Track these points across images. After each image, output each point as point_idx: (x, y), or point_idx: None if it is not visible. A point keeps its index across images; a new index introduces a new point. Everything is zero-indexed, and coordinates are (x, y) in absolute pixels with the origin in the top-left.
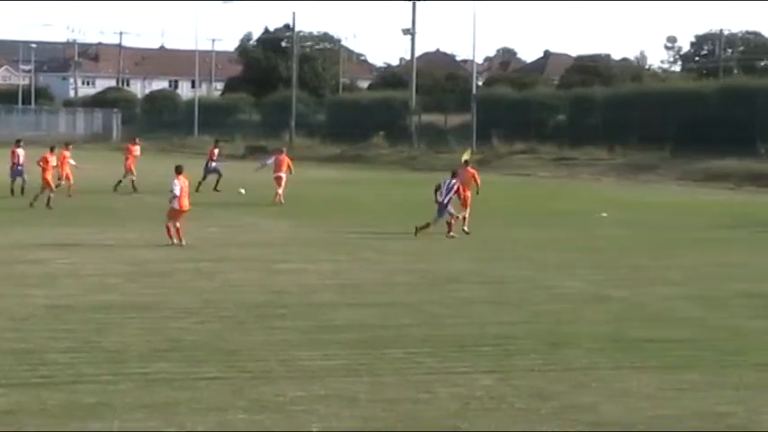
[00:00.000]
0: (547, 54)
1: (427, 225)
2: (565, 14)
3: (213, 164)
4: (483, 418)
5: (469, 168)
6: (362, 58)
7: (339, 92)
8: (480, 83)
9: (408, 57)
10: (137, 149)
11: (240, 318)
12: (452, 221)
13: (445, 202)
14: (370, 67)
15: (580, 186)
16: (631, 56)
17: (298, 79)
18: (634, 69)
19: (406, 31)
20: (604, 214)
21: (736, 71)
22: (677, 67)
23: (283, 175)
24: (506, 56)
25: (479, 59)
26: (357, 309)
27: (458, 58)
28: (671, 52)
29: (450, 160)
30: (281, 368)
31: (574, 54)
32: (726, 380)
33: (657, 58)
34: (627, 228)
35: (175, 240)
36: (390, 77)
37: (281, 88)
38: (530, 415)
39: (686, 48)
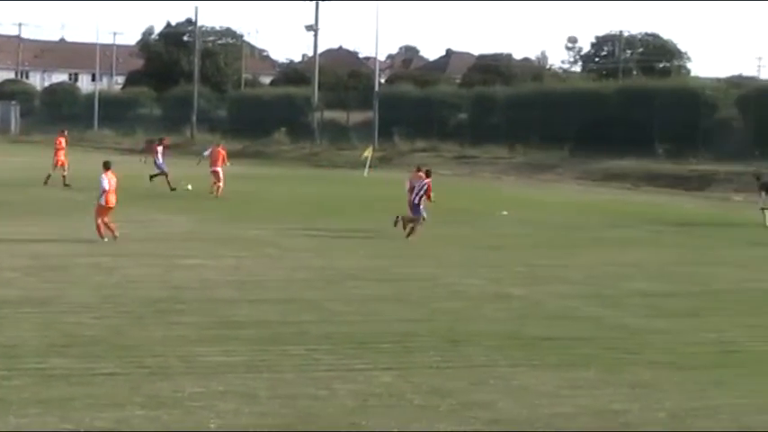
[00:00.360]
0: (449, 53)
1: (411, 226)
2: (467, 13)
3: (160, 161)
4: (382, 415)
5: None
6: (265, 53)
7: (241, 87)
8: (383, 80)
9: (311, 53)
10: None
11: (139, 313)
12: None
13: (416, 201)
14: (273, 62)
15: (481, 185)
16: (533, 56)
17: (199, 74)
18: (535, 69)
19: (308, 28)
20: (505, 213)
21: (635, 72)
22: (578, 68)
23: (219, 169)
24: (409, 54)
25: (382, 57)
26: (257, 305)
27: (360, 56)
28: (571, 53)
29: (351, 157)
30: (180, 364)
31: (476, 53)
32: (622, 378)
33: (558, 58)
34: (527, 226)
35: (108, 236)
36: (293, 74)
37: (182, 83)
38: (428, 412)
39: (587, 48)
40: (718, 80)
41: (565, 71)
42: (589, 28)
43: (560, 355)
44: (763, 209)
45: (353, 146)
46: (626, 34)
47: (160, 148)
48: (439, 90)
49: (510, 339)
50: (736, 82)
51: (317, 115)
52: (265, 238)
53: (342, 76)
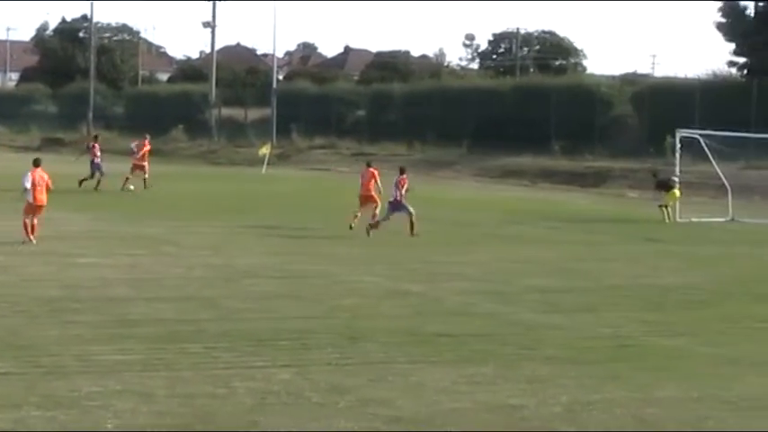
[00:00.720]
0: (347, 49)
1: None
2: (365, 10)
3: (97, 161)
4: (280, 413)
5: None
6: (162, 50)
7: (138, 84)
8: (281, 77)
9: (208, 50)
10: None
11: (34, 312)
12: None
13: (398, 198)
14: (170, 59)
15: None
16: (430, 53)
17: (95, 71)
18: (433, 66)
19: (206, 25)
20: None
21: (532, 70)
22: (475, 65)
23: (146, 163)
24: (307, 51)
25: (280, 54)
26: (154, 303)
27: (258, 53)
28: (469, 50)
29: (249, 154)
30: (76, 363)
31: (374, 50)
32: (519, 373)
33: (456, 55)
34: (424, 223)
35: (29, 238)
36: (190, 70)
37: (78, 79)
38: (327, 409)
39: (484, 46)
40: (614, 78)
41: (462, 68)
42: (486, 25)
43: (458, 351)
44: (660, 206)
45: (251, 143)
46: (523, 32)
47: (96, 146)
48: (337, 87)
49: (408, 336)
50: (631, 79)
51: (214, 112)
52: (162, 236)
53: (239, 72)
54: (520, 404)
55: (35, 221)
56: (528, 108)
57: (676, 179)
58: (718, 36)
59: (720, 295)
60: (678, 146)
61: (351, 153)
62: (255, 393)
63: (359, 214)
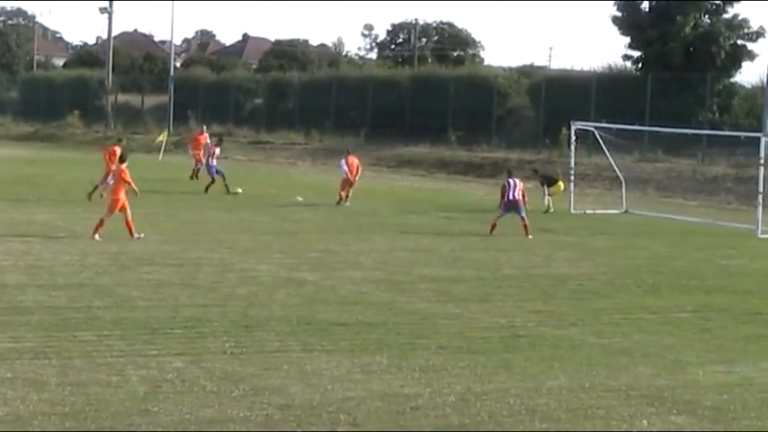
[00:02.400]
0: (245, 37)
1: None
2: None
3: (214, 161)
4: (173, 401)
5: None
6: (58, 35)
7: (33, 69)
8: (178, 64)
9: (105, 35)
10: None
11: None
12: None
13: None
14: (66, 44)
15: (276, 170)
16: (329, 42)
17: None
18: (331, 55)
19: (102, 10)
20: (299, 198)
21: (430, 60)
22: (374, 55)
23: None
24: (205, 38)
25: (177, 41)
26: (47, 290)
27: (156, 39)
28: (368, 40)
29: (146, 141)
30: None
31: (272, 38)
32: (413, 362)
33: (355, 45)
34: (321, 212)
35: None
36: (86, 56)
37: None
38: (221, 397)
39: (383, 36)
40: (511, 69)
41: (361, 58)
42: (385, 16)
43: (352, 340)
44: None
45: (148, 130)
46: (421, 23)
47: (218, 150)
48: (235, 75)
49: (303, 324)
50: (528, 71)
51: (110, 98)
52: (56, 222)
53: (137, 59)
54: (413, 393)
55: None
56: (425, 98)
57: (560, 171)
58: (614, 29)
59: (613, 286)
60: (573, 138)
61: (248, 141)
62: (149, 381)
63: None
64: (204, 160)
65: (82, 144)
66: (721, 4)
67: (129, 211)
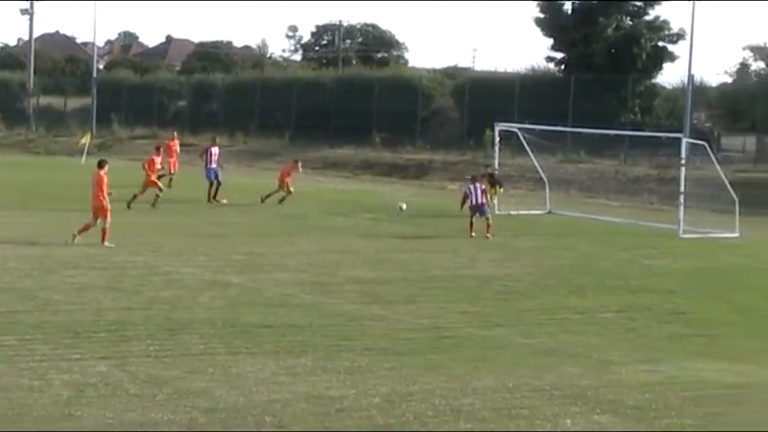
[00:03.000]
0: (169, 39)
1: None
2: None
3: (214, 166)
4: (97, 405)
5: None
6: None
7: None
8: (101, 66)
9: (26, 37)
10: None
11: None
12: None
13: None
14: None
15: (200, 172)
16: (253, 44)
17: None
18: (255, 57)
19: (23, 11)
20: (225, 201)
21: (354, 62)
22: (298, 57)
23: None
24: (128, 39)
25: (100, 43)
26: None
27: (78, 41)
28: (292, 41)
29: (68, 144)
30: None
31: (196, 40)
32: (339, 364)
33: (279, 46)
34: (246, 215)
35: None
36: (7, 58)
37: None
38: (145, 401)
39: (307, 37)
40: (435, 71)
41: (285, 59)
42: (309, 17)
43: (278, 342)
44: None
45: (71, 132)
46: (345, 24)
47: (215, 150)
48: (159, 77)
49: (228, 327)
50: (452, 73)
51: (32, 101)
52: None
53: (59, 61)
54: (339, 395)
55: None
56: (350, 100)
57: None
58: (538, 31)
59: (538, 287)
60: (497, 139)
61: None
62: (72, 386)
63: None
64: (206, 166)
65: (3, 147)
66: (643, 5)
67: (109, 218)
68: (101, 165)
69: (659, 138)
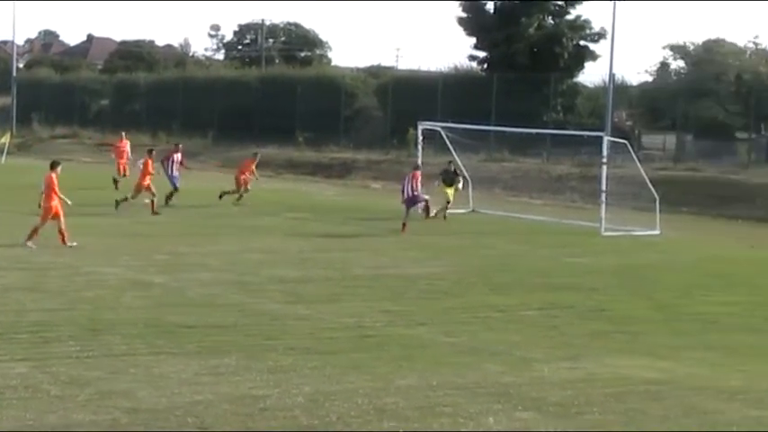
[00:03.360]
0: (90, 38)
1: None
2: None
3: (176, 174)
4: (16, 407)
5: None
6: None
7: None
8: (21, 65)
9: None
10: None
11: None
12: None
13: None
14: None
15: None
16: (175, 43)
17: None
18: (178, 56)
19: None
20: (147, 201)
21: (277, 61)
22: (221, 56)
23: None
24: (48, 38)
25: (20, 41)
26: None
27: None
28: (214, 40)
29: None
30: None
31: (118, 39)
32: (262, 364)
33: (201, 45)
34: (168, 214)
35: None
36: None
37: None
38: (66, 402)
39: (229, 36)
40: (358, 70)
41: (208, 59)
42: (232, 16)
43: (201, 342)
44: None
45: None
46: (268, 23)
47: (177, 156)
48: (80, 76)
49: (151, 327)
50: (375, 72)
51: None
52: None
53: None
54: (262, 395)
55: None
56: (273, 99)
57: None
58: (460, 31)
59: (461, 285)
60: (420, 138)
61: (94, 143)
62: None
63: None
64: (168, 171)
65: None
66: (564, 5)
67: (63, 218)
68: (53, 166)
69: (581, 136)
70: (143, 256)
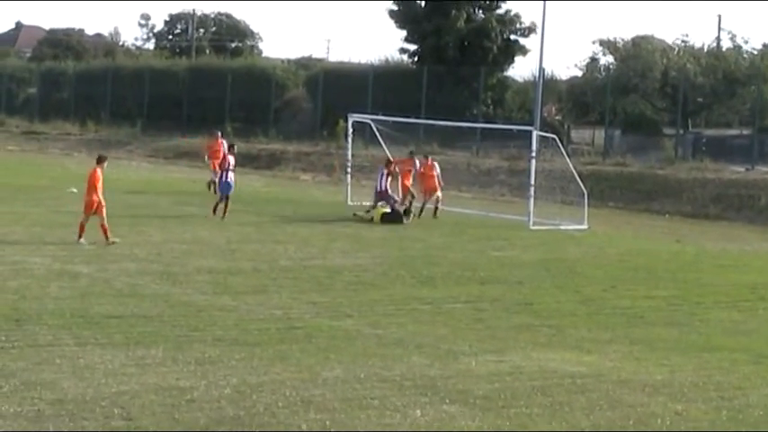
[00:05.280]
0: (19, 25)
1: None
2: None
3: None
4: None
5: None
6: None
7: None
8: None
9: None
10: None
11: None
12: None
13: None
14: None
15: (50, 161)
16: (105, 32)
17: None
18: (108, 45)
19: None
20: (74, 190)
21: (208, 51)
22: (151, 45)
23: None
24: None
25: None
26: None
27: None
28: (145, 30)
29: None
30: None
31: (47, 27)
32: (189, 355)
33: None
34: None
35: None
36: None
37: None
38: None
39: (160, 26)
40: (289, 61)
41: (138, 48)
42: (162, 6)
43: (127, 333)
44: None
45: None
46: (199, 13)
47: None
48: (7, 64)
49: (76, 318)
50: (306, 63)
51: None
52: None
53: None
54: (189, 386)
55: None
56: (203, 89)
57: None
58: (391, 23)
59: (388, 278)
60: (350, 130)
61: (21, 131)
62: None
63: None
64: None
65: None
66: None
67: (104, 214)
68: (99, 161)
69: (510, 130)
70: (69, 245)
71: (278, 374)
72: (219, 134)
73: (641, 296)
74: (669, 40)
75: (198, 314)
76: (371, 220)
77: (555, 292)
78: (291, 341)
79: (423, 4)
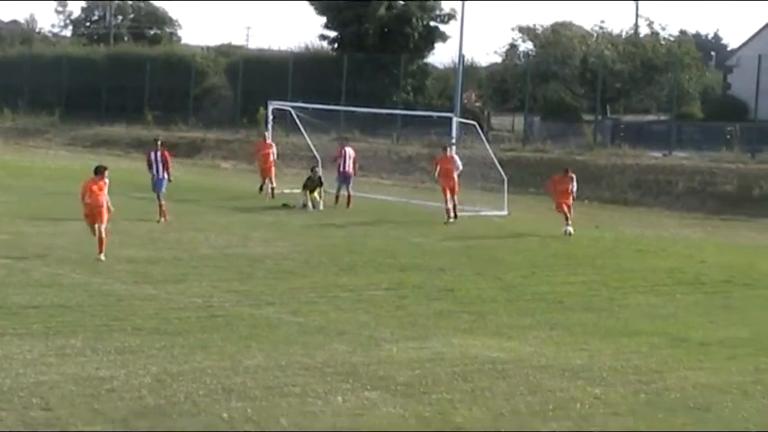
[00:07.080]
0: None
1: None
2: None
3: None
4: None
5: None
6: None
7: None
8: None
9: None
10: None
11: None
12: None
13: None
14: None
15: None
16: (21, 18)
17: None
18: (24, 33)
19: None
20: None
21: (126, 38)
22: (68, 32)
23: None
24: None
25: None
26: None
27: None
28: (62, 17)
29: None
30: None
31: None
32: (109, 344)
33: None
34: (13, 194)
35: None
36: None
37: None
38: None
39: (77, 13)
40: (208, 48)
41: (55, 35)
42: None
43: (46, 323)
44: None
45: None
46: (116, 0)
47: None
48: None
49: None
50: (226, 51)
51: None
52: None
53: None
54: (109, 375)
55: None
56: (121, 77)
57: None
58: (311, 9)
59: (309, 265)
60: (270, 117)
61: None
62: None
63: None
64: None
65: None
66: None
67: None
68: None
69: (431, 117)
70: None
71: (199, 363)
72: (267, 136)
73: (561, 282)
74: (588, 27)
75: (118, 303)
76: (304, 206)
77: (476, 279)
78: (212, 329)
79: None
